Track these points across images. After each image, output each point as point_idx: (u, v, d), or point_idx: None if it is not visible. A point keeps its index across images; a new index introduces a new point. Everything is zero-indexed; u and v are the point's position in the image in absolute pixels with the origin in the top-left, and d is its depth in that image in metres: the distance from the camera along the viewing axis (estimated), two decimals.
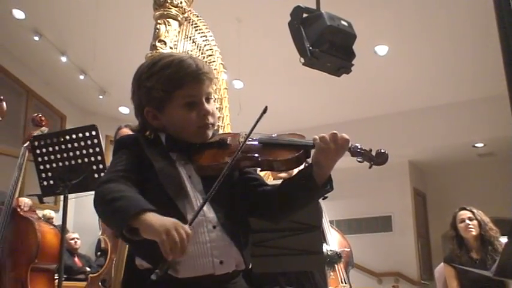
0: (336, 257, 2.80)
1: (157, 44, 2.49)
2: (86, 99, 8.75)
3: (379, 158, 1.51)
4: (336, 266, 2.90)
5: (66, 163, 3.09)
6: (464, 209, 4.00)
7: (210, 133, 1.56)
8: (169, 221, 1.24)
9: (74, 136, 3.09)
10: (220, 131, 2.40)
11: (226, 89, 2.61)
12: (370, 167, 1.52)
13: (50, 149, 3.13)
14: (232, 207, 1.51)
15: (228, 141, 1.54)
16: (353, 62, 2.07)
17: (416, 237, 9.38)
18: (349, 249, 3.14)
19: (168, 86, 1.49)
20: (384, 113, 8.72)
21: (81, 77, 7.78)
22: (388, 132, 8.74)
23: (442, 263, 4.21)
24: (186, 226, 1.24)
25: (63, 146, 3.10)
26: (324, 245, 2.76)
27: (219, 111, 2.53)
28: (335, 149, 1.44)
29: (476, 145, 8.86)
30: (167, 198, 1.42)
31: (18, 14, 6.76)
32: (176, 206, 1.41)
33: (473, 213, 3.93)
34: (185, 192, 1.47)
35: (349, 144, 1.47)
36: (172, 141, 1.54)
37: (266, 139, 1.53)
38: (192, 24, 2.70)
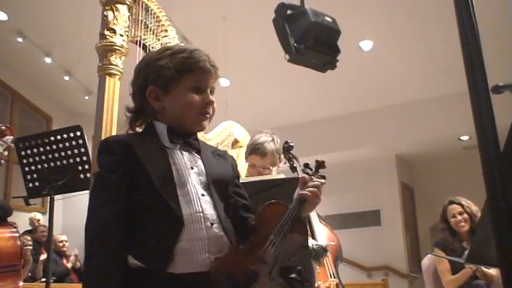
0: (321, 251, 2.80)
1: (106, 32, 2.37)
2: (72, 100, 8.69)
3: None
4: (322, 260, 2.89)
5: (52, 164, 3.08)
6: (454, 202, 4.00)
7: (206, 124, 1.60)
8: None
9: (58, 137, 3.09)
10: None
11: None
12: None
13: (35, 150, 3.11)
14: (227, 206, 1.55)
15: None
16: (338, 58, 2.08)
17: (405, 230, 9.44)
18: (335, 243, 3.14)
19: (180, 66, 1.53)
20: (370, 107, 8.77)
21: (66, 78, 7.75)
22: (375, 126, 8.79)
23: (428, 255, 4.24)
24: None
25: (48, 147, 3.09)
26: (310, 239, 2.76)
27: None
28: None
29: (461, 138, 8.94)
30: (159, 197, 1.42)
31: (1, 15, 6.70)
32: (169, 205, 1.42)
33: (462, 206, 3.92)
34: (182, 185, 1.47)
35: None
36: (173, 133, 1.55)
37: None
38: (142, 7, 2.57)
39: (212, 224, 1.46)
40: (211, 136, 3.01)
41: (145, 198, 1.44)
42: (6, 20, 6.77)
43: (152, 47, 2.50)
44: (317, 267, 2.88)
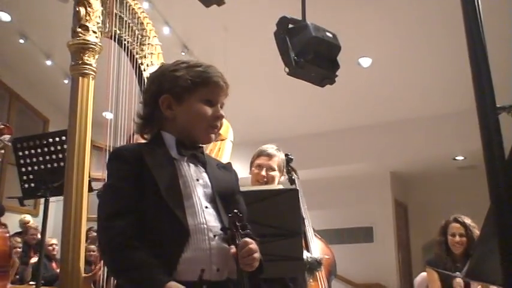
0: (315, 264, 2.81)
1: (78, 29, 2.23)
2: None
3: None
4: (316, 273, 2.89)
5: (49, 166, 3.08)
6: (458, 221, 3.87)
7: (214, 137, 1.68)
8: None
9: (57, 139, 3.09)
10: None
11: (163, 63, 2.47)
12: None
13: (33, 151, 3.11)
14: None
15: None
16: (337, 73, 2.10)
17: (397, 248, 9.44)
18: (329, 257, 3.14)
19: (196, 79, 1.60)
20: (366, 123, 8.80)
21: (66, 81, 7.74)
22: (370, 143, 8.81)
23: (421, 274, 4.23)
24: None
25: (45, 149, 3.09)
26: (305, 251, 2.77)
27: None
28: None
29: (456, 158, 8.97)
30: (166, 207, 1.46)
31: (4, 16, 6.73)
32: (176, 215, 1.46)
33: (465, 228, 3.81)
34: (188, 196, 1.52)
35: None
36: (182, 144, 1.60)
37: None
38: None
39: (215, 236, 1.50)
40: None
41: (153, 207, 1.48)
42: (9, 21, 6.80)
43: (128, 41, 2.43)
44: (310, 280, 2.88)
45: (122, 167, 1.53)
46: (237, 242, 1.47)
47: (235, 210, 1.51)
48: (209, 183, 1.58)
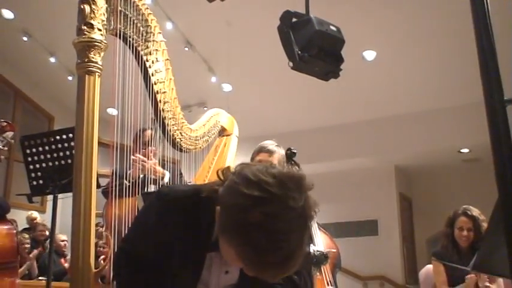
0: (322, 258, 2.82)
1: (84, 27, 2.19)
2: (74, 100, 8.70)
3: None
4: (322, 267, 2.91)
5: (56, 163, 3.10)
6: (467, 214, 3.81)
7: None
8: None
9: (64, 136, 3.11)
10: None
11: (168, 59, 2.53)
12: None
13: (40, 148, 3.14)
14: None
15: None
16: (341, 67, 2.11)
17: (402, 241, 9.46)
18: (335, 251, 3.16)
19: (243, 252, 1.19)
20: (370, 118, 8.80)
21: (70, 78, 7.76)
22: (375, 137, 8.82)
23: (426, 266, 4.23)
24: None
25: (53, 146, 3.12)
26: (311, 245, 2.79)
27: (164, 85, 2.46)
28: None
29: (461, 151, 8.96)
30: None
31: (7, 14, 6.74)
32: None
33: (474, 221, 3.76)
34: None
35: None
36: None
37: None
38: None
39: None
40: (197, 126, 2.96)
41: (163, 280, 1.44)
42: (13, 19, 6.81)
43: (133, 38, 2.43)
44: (317, 274, 2.90)
45: (160, 220, 1.41)
46: None
47: None
48: (237, 277, 1.42)
